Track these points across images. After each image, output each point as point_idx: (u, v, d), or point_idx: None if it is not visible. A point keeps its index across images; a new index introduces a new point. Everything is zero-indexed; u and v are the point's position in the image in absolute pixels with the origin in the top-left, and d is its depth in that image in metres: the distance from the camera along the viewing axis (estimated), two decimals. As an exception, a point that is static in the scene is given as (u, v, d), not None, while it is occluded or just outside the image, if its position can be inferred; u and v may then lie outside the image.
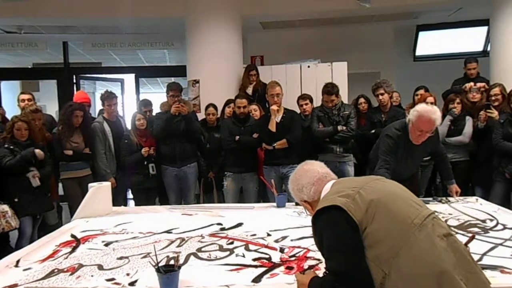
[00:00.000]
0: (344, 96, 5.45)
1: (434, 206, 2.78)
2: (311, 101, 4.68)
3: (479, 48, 7.75)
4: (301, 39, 7.11)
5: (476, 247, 1.89)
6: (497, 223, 2.36)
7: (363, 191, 1.38)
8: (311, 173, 1.65)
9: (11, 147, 3.72)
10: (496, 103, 4.25)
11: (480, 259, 1.80)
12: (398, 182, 1.56)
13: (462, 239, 1.81)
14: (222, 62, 5.65)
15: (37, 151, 3.75)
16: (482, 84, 4.70)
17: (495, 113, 4.13)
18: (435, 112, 2.79)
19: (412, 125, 2.89)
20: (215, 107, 4.73)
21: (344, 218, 1.31)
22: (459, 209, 2.71)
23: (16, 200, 3.73)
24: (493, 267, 1.71)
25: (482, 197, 3.15)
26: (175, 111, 4.27)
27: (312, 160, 1.79)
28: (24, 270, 1.88)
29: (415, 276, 1.23)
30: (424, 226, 1.30)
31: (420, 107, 2.87)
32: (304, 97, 4.71)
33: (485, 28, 7.24)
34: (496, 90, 4.30)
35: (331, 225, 1.35)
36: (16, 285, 1.70)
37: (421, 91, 4.67)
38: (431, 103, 4.25)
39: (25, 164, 3.72)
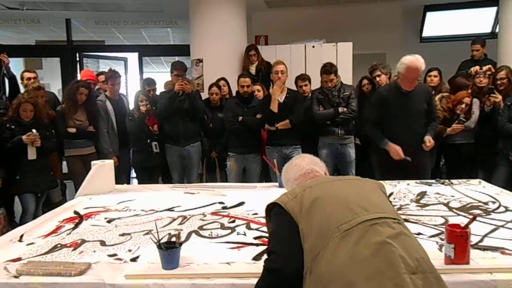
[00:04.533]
0: (349, 77, 5.40)
1: (437, 188, 2.78)
2: (310, 81, 4.61)
3: (488, 29, 7.61)
4: (306, 18, 7.01)
5: (478, 229, 1.88)
6: (499, 205, 2.35)
7: (310, 190, 1.41)
8: (297, 168, 1.69)
9: (12, 126, 3.72)
10: (502, 87, 4.18)
11: (481, 241, 1.80)
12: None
13: (464, 220, 1.81)
14: (226, 42, 5.59)
15: (24, 137, 3.67)
16: (487, 67, 4.62)
17: (499, 98, 4.08)
18: (419, 59, 3.25)
19: (402, 76, 3.34)
20: (219, 87, 4.70)
21: (284, 213, 1.39)
22: (462, 191, 2.70)
23: (17, 177, 3.75)
24: (494, 248, 1.71)
25: (484, 180, 3.14)
26: (178, 89, 4.25)
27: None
28: (28, 244, 1.90)
29: (324, 282, 1.20)
30: (350, 232, 1.25)
31: (406, 59, 3.29)
32: (303, 77, 4.61)
33: (494, 9, 7.10)
34: (502, 74, 4.22)
35: (274, 217, 1.44)
36: (19, 258, 1.72)
37: (434, 72, 4.53)
38: (466, 104, 4.10)
39: (18, 148, 3.70)
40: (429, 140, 3.40)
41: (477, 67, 4.62)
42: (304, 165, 1.69)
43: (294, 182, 1.67)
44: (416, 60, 3.27)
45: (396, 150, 3.37)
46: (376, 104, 3.60)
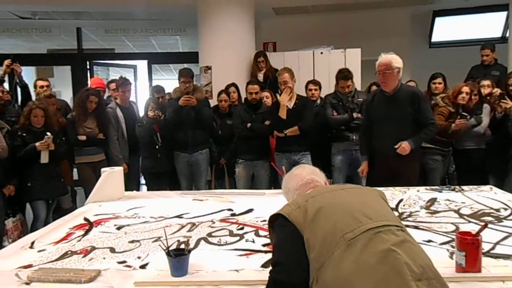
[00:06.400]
0: (357, 83, 5.38)
1: (447, 195, 2.75)
2: (320, 88, 4.67)
3: (498, 34, 7.54)
4: (314, 25, 7.02)
5: (489, 236, 1.86)
6: (511, 212, 2.32)
7: (313, 200, 1.41)
8: (297, 178, 1.70)
9: (24, 134, 3.77)
10: None
11: (493, 248, 1.77)
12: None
13: (475, 228, 1.79)
14: (234, 49, 5.62)
15: (37, 144, 3.72)
16: (487, 83, 4.46)
17: (510, 104, 4.02)
18: (388, 55, 3.30)
19: None
20: (228, 94, 4.72)
21: (288, 224, 1.39)
22: (473, 198, 2.66)
23: (29, 184, 3.79)
24: (506, 256, 1.69)
25: (495, 186, 3.10)
26: (183, 103, 4.25)
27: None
28: (39, 251, 1.92)
29: None
30: (355, 241, 1.25)
31: None
32: (315, 82, 4.71)
33: (504, 14, 7.05)
34: None
35: (278, 228, 1.44)
36: (30, 265, 1.74)
37: (439, 79, 4.50)
38: (467, 93, 4.00)
39: (31, 155, 3.75)
40: (399, 144, 3.25)
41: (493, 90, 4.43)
42: (305, 174, 1.69)
43: (295, 192, 1.67)
44: (385, 56, 3.30)
45: (361, 169, 3.60)
46: (364, 110, 3.69)
